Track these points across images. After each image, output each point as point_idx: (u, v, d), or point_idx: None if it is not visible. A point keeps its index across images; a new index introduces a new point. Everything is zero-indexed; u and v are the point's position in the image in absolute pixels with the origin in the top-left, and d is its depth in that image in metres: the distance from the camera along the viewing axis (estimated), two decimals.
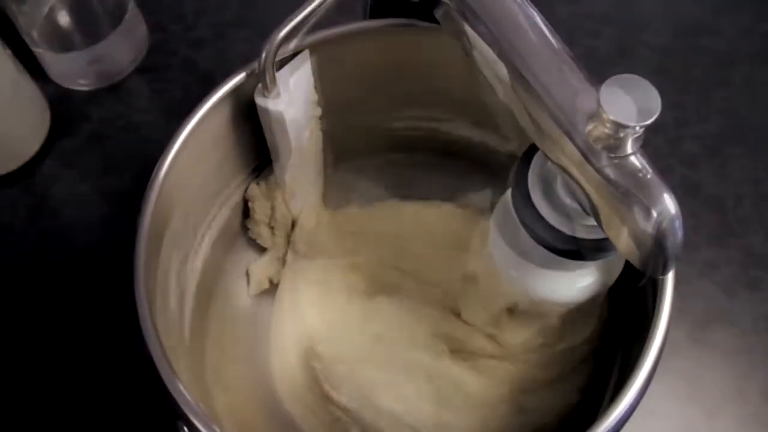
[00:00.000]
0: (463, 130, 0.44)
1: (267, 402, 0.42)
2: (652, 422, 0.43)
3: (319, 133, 0.40)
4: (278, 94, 0.34)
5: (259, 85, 0.34)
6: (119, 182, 0.50)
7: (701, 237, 0.48)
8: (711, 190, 0.49)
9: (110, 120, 0.52)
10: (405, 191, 0.45)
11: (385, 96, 0.42)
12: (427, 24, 0.34)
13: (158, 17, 0.54)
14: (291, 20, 0.33)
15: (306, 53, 0.34)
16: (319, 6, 0.33)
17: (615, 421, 0.30)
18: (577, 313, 0.37)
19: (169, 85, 0.52)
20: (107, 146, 0.51)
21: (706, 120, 0.52)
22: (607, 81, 0.25)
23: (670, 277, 0.32)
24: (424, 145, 0.46)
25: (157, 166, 0.35)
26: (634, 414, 0.31)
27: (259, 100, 0.35)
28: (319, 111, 0.38)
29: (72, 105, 0.52)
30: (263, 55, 0.32)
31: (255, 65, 0.36)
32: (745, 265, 0.47)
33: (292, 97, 0.34)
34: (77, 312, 0.46)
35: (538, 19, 0.29)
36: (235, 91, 0.37)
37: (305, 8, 0.33)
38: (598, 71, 0.53)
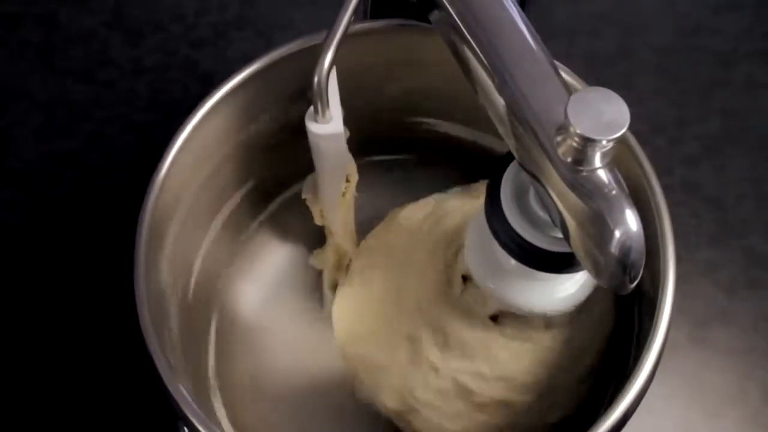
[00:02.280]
0: (463, 130, 0.44)
1: (275, 402, 0.42)
2: (652, 422, 0.43)
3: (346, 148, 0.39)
4: (331, 117, 0.34)
5: (310, 109, 0.34)
6: (119, 183, 0.50)
7: (701, 237, 0.48)
8: (711, 190, 0.49)
9: (110, 120, 0.52)
10: (412, 192, 0.45)
11: (385, 96, 0.42)
12: (427, 24, 0.34)
13: (158, 17, 0.54)
14: (333, 39, 0.32)
15: (333, 70, 0.34)
16: (351, 17, 0.32)
17: (615, 422, 0.30)
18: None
19: (169, 85, 0.53)
20: (107, 146, 0.51)
21: (706, 120, 0.52)
22: (575, 93, 0.25)
23: (670, 277, 0.32)
24: (424, 145, 0.46)
25: (157, 166, 0.35)
26: (634, 414, 0.31)
27: (314, 127, 0.34)
28: (347, 132, 0.37)
29: (72, 105, 0.52)
30: (315, 79, 0.32)
31: (253, 67, 0.36)
32: (745, 265, 0.47)
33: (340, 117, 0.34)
34: (77, 313, 0.46)
35: (523, 26, 0.29)
36: (235, 92, 0.37)
37: (341, 23, 0.32)
38: (597, 71, 0.54)
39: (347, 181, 0.40)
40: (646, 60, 0.54)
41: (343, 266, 0.44)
